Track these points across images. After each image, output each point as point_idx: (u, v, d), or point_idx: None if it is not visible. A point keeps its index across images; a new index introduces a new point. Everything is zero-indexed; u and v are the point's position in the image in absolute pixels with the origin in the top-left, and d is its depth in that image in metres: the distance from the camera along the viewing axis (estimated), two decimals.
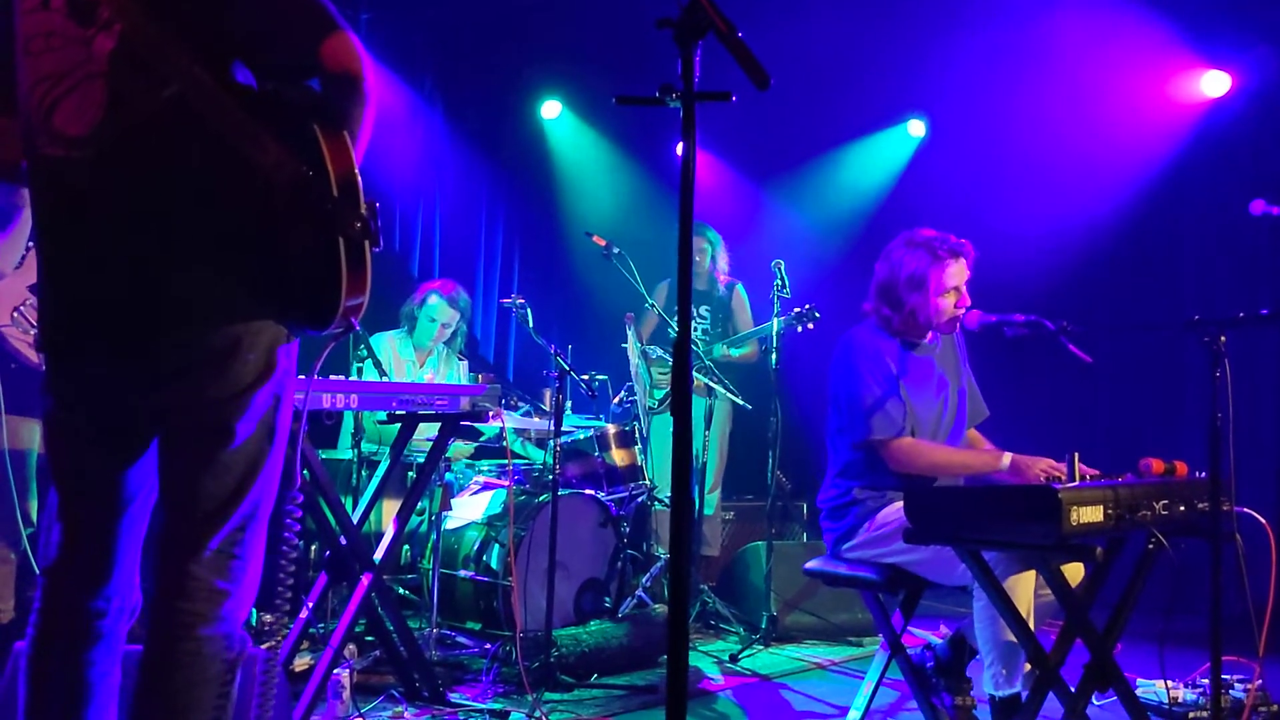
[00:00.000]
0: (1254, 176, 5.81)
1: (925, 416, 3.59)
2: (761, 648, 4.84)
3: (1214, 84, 6.04)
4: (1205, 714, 3.71)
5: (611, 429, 5.24)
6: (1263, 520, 3.24)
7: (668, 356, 5.63)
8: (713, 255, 6.13)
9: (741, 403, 5.51)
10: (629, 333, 5.57)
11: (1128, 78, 6.13)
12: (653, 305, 5.35)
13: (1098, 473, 3.13)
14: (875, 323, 3.67)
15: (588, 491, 4.92)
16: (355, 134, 2.00)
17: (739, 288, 6.18)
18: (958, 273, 3.57)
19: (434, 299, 5.33)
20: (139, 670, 1.96)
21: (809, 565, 3.67)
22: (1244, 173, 5.89)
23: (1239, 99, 6.00)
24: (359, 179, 1.96)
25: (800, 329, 5.27)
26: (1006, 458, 3.38)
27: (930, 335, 3.67)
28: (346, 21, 2.02)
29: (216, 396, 1.96)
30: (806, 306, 5.22)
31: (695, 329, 5.99)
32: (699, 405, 5.70)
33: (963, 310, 3.57)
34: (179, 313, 1.94)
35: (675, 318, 5.92)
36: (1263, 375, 5.80)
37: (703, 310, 6.01)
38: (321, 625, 4.16)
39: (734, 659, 4.66)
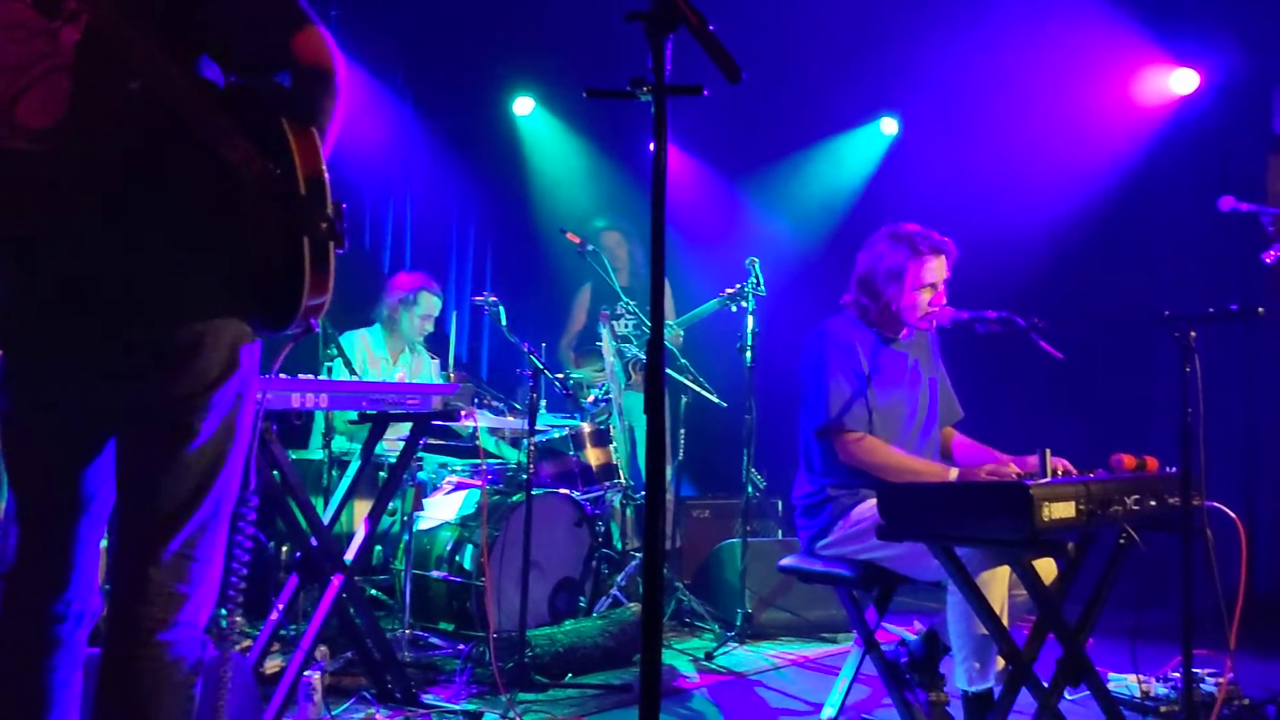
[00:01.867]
0: (1223, 173, 5.86)
1: (895, 413, 3.59)
2: (736, 645, 4.83)
3: (1182, 81, 6.08)
4: (1177, 708, 3.73)
5: (586, 428, 5.22)
6: (1232, 514, 3.26)
7: (641, 354, 5.62)
8: (630, 250, 6.12)
9: (716, 399, 5.50)
10: (603, 331, 5.55)
11: (1098, 76, 6.16)
12: (627, 304, 5.32)
13: (1070, 468, 3.14)
14: (852, 315, 3.68)
15: (562, 491, 4.90)
16: (324, 130, 1.98)
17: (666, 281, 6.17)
18: (937, 269, 3.58)
19: (426, 295, 5.33)
20: (98, 677, 1.92)
21: (784, 562, 3.67)
22: (1213, 169, 5.93)
23: (1207, 96, 6.05)
24: (327, 178, 1.94)
25: (735, 309, 5.25)
26: (953, 472, 3.39)
27: (905, 331, 3.67)
28: (317, 17, 2.00)
29: (178, 394, 1.93)
30: (737, 286, 5.20)
31: (626, 325, 5.95)
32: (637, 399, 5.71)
33: (937, 307, 3.58)
34: (141, 309, 1.91)
35: (605, 321, 5.88)
36: (1232, 370, 5.84)
37: (631, 307, 5.95)
38: (293, 627, 4.12)
39: (709, 657, 4.65)
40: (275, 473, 3.58)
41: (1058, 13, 5.98)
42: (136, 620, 1.92)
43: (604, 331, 5.53)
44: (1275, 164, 6.22)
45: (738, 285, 5.20)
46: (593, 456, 5.17)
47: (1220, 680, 3.76)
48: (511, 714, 3.66)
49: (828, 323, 3.68)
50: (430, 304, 5.37)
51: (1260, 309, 3.03)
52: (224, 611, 3.18)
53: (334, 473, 4.57)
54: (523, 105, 7.12)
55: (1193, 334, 2.99)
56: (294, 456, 4.74)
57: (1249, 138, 6.06)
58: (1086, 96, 6.19)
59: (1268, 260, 4.28)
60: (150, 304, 1.91)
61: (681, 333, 5.93)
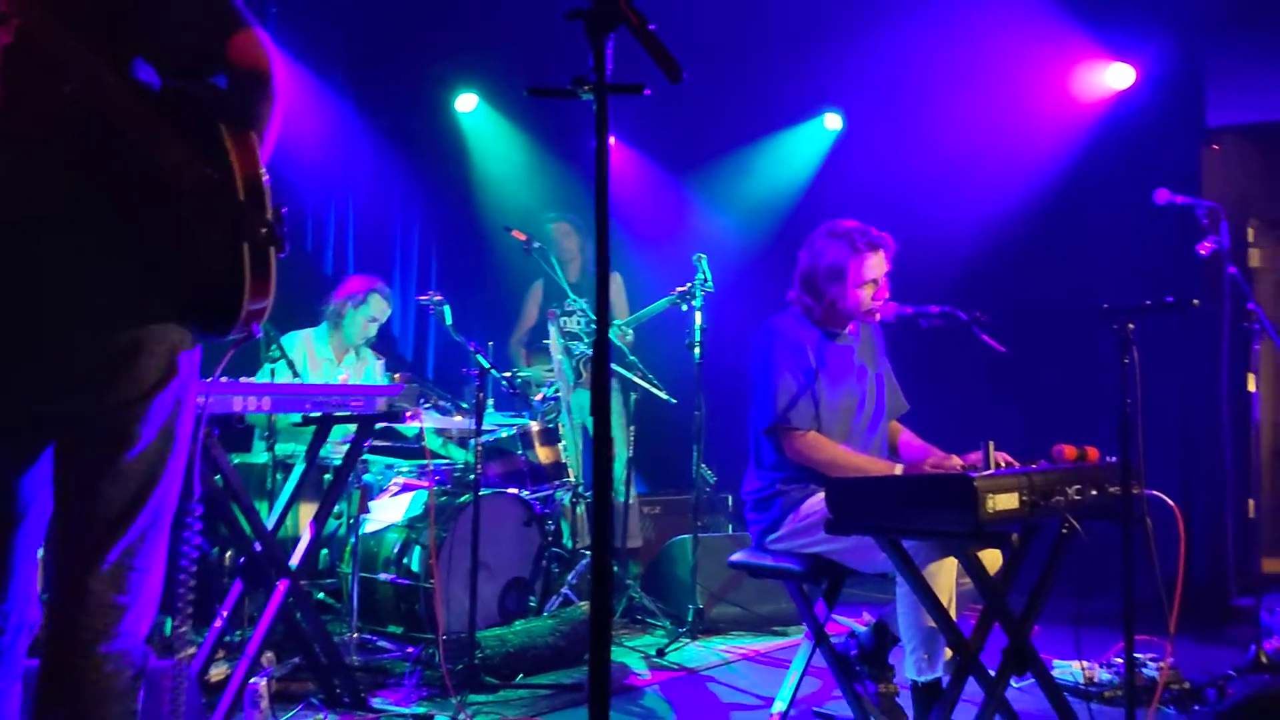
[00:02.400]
0: (1158, 166, 5.95)
1: (842, 408, 3.61)
2: (688, 641, 4.84)
3: (1118, 76, 6.18)
4: (1119, 693, 3.80)
5: (534, 427, 5.20)
6: (1171, 502, 3.31)
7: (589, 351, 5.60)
8: (582, 244, 6.09)
9: (665, 396, 5.50)
10: (551, 329, 5.53)
11: (1036, 71, 6.24)
12: (574, 301, 5.30)
13: (1011, 460, 3.18)
14: (797, 311, 3.70)
15: (511, 490, 4.88)
16: (263, 133, 1.96)
17: (615, 275, 6.14)
18: (876, 265, 3.61)
19: (377, 298, 5.29)
20: (38, 689, 1.89)
21: (734, 558, 3.68)
22: (1148, 163, 6.03)
23: (1142, 90, 6.15)
24: (266, 182, 1.92)
25: (685, 308, 5.22)
26: (898, 468, 3.44)
27: (850, 326, 3.70)
28: (254, 15, 1.98)
29: (116, 401, 1.90)
30: (688, 284, 5.17)
31: (577, 322, 5.93)
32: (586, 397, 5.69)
33: (880, 302, 3.61)
34: (79, 314, 1.88)
35: (564, 318, 5.85)
36: (1167, 361, 5.95)
37: (581, 304, 5.93)
38: (238, 633, 4.07)
39: (660, 653, 4.66)
40: (218, 477, 3.53)
41: (997, 8, 6.05)
42: (76, 631, 1.88)
43: (552, 329, 5.51)
44: (1209, 157, 6.36)
45: (688, 284, 5.18)
46: (541, 455, 5.15)
47: (1161, 665, 3.83)
48: (462, 716, 3.64)
49: (775, 320, 3.70)
50: (379, 307, 5.31)
51: (1195, 301, 3.09)
52: (171, 621, 3.14)
53: (278, 476, 4.51)
54: (466, 102, 7.06)
55: (1130, 326, 3.04)
56: (237, 460, 4.68)
57: (1183, 131, 6.18)
58: (1025, 92, 6.27)
59: (1202, 252, 4.37)
60: (87, 311, 1.88)
61: (630, 332, 5.91)
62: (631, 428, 5.78)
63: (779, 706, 3.44)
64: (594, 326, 5.88)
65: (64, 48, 1.84)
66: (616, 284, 6.17)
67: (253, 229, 1.88)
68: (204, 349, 2.06)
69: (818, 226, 3.71)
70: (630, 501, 5.78)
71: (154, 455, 1.94)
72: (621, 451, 5.67)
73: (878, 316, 3.64)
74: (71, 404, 1.91)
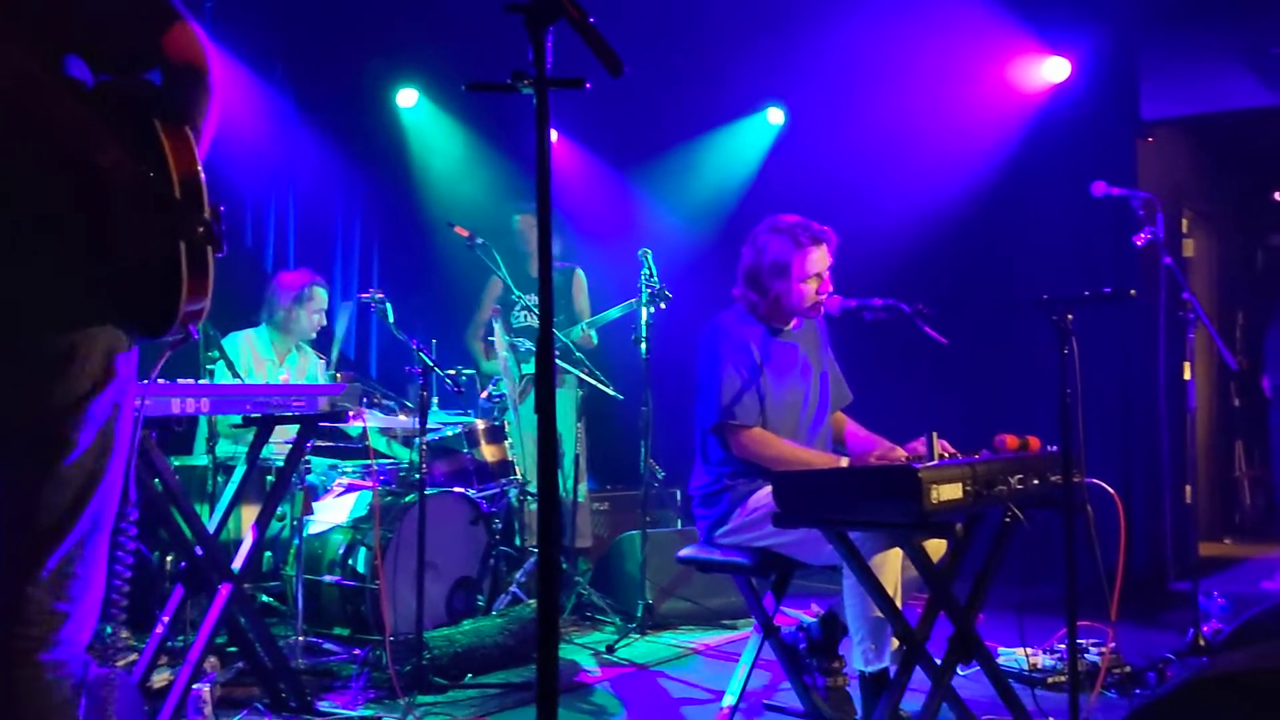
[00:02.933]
0: (1095, 159, 6.05)
1: (787, 403, 3.63)
2: (638, 636, 4.84)
3: (1055, 69, 6.26)
4: (1063, 678, 3.86)
5: (480, 424, 5.17)
6: (1111, 490, 3.37)
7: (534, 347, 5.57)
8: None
9: (613, 393, 5.49)
10: (495, 325, 5.49)
11: (975, 65, 6.31)
12: (519, 297, 5.26)
13: (952, 451, 3.21)
14: (742, 308, 3.70)
15: (457, 489, 4.84)
16: (199, 129, 1.92)
17: (578, 272, 6.09)
18: (819, 259, 3.62)
19: (318, 289, 5.22)
20: None
21: (683, 553, 3.68)
22: (1085, 155, 6.13)
23: (1079, 83, 6.24)
24: (203, 179, 1.88)
25: (660, 306, 5.18)
26: (843, 462, 3.47)
27: (794, 321, 3.72)
28: (190, 10, 1.93)
29: (51, 406, 1.84)
30: (659, 287, 5.14)
31: (532, 319, 5.89)
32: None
33: (824, 296, 3.62)
34: (10, 317, 1.83)
35: (515, 311, 5.80)
36: (1105, 350, 6.05)
37: (525, 301, 5.84)
38: (180, 639, 4.00)
39: (610, 649, 4.65)
40: (156, 481, 3.47)
41: (935, 4, 6.11)
42: (15, 640, 1.83)
43: (496, 326, 5.47)
44: (1143, 149, 6.47)
45: (659, 286, 5.11)
46: (487, 453, 5.12)
47: (1103, 650, 3.90)
48: (410, 717, 3.60)
49: (719, 317, 3.71)
50: (321, 298, 5.28)
51: (1133, 291, 3.14)
52: (108, 629, 3.07)
53: (219, 479, 4.44)
54: (406, 97, 6.99)
55: (1070, 316, 3.08)
56: (176, 463, 4.60)
57: (1118, 124, 6.28)
58: (964, 85, 6.33)
59: (1138, 243, 4.44)
60: (19, 314, 1.83)
61: (594, 332, 5.88)
62: (579, 424, 5.77)
63: (729, 700, 3.45)
64: (560, 319, 5.83)
65: None
66: (579, 281, 6.10)
67: (190, 228, 1.84)
68: (141, 350, 2.01)
69: (760, 222, 3.72)
70: (580, 500, 5.77)
71: (92, 460, 1.89)
72: (570, 449, 5.66)
73: (822, 311, 3.66)
74: (5, 411, 1.86)
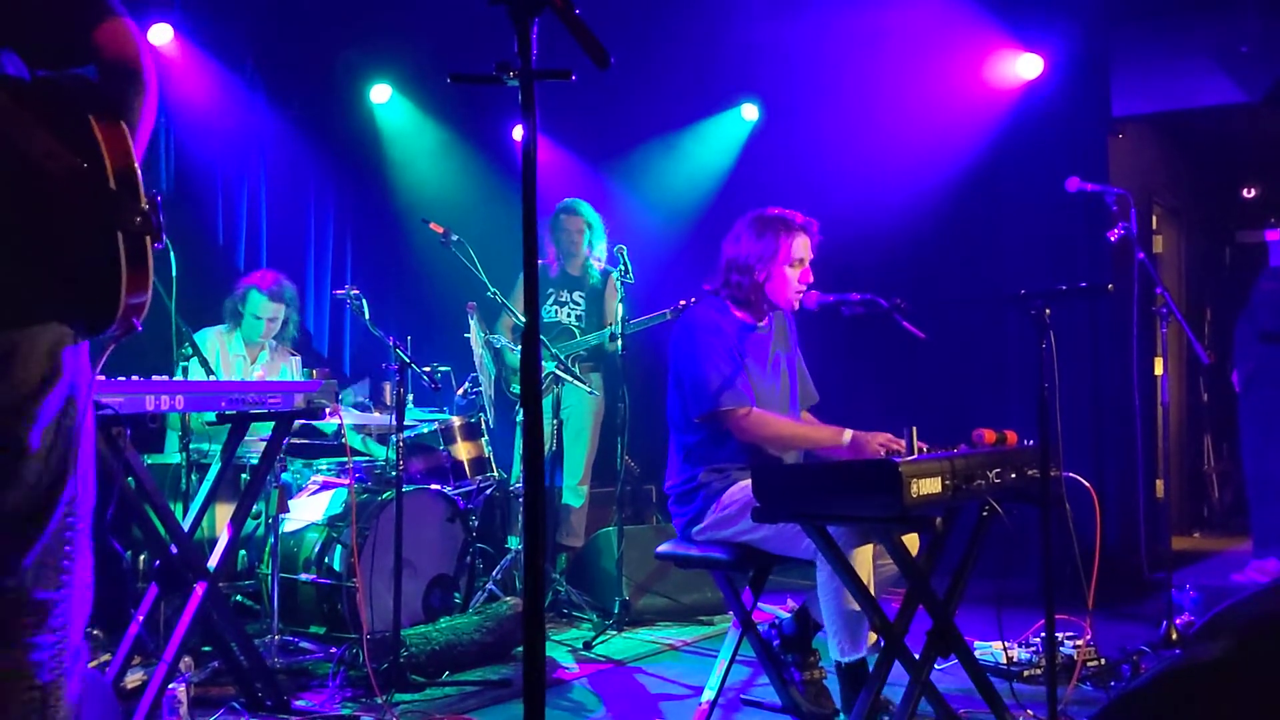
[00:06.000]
0: (1067, 154, 6.09)
1: (764, 394, 3.63)
2: (615, 633, 4.83)
3: (1028, 66, 6.30)
4: (1039, 671, 3.88)
5: (456, 421, 5.14)
6: (1086, 484, 3.39)
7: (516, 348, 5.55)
8: (590, 240, 5.85)
9: (588, 390, 5.47)
10: (471, 322, 5.46)
11: (949, 61, 6.34)
12: (494, 294, 5.21)
13: (929, 446, 3.22)
14: (717, 301, 3.70)
15: (434, 486, 4.82)
16: (134, 124, 1.90)
17: (614, 275, 5.74)
18: (803, 246, 3.64)
19: (254, 294, 5.08)
20: None
21: (660, 549, 3.68)
22: (1058, 151, 6.17)
23: (1051, 80, 6.28)
24: (138, 170, 1.86)
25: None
26: (847, 434, 3.45)
27: (766, 319, 3.72)
28: (122, 8, 1.93)
29: (0, 408, 1.83)
30: (681, 304, 4.90)
31: (569, 315, 5.86)
32: (548, 398, 5.64)
33: (805, 286, 3.63)
34: None
35: (546, 305, 5.74)
36: (1079, 344, 6.10)
37: (576, 296, 5.83)
38: (154, 639, 3.96)
39: (588, 646, 4.64)
40: (130, 479, 3.43)
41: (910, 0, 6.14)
42: (3, 634, 1.84)
43: (472, 323, 5.45)
44: (1114, 145, 6.52)
45: (681, 303, 4.88)
46: (464, 451, 5.09)
47: (1079, 643, 3.92)
48: (388, 716, 3.58)
49: (692, 312, 3.71)
50: (263, 305, 5.07)
51: (1110, 285, 3.16)
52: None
53: (193, 477, 4.39)
54: (380, 93, 6.94)
55: (1047, 310, 3.09)
56: (150, 461, 4.55)
57: (1090, 120, 6.33)
58: (939, 81, 6.36)
59: (1112, 238, 4.47)
60: None
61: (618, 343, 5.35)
62: (555, 421, 5.75)
63: (708, 695, 3.45)
64: (584, 321, 5.73)
65: None
66: (613, 285, 5.74)
67: (126, 217, 1.82)
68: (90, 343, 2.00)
69: (741, 217, 3.72)
70: (580, 502, 5.75)
71: (54, 455, 1.88)
72: (582, 451, 5.67)
73: (797, 305, 3.67)
74: None
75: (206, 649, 3.97)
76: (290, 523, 4.67)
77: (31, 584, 1.86)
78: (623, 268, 5.07)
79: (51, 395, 1.87)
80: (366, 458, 5.13)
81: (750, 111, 7.19)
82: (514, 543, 5.36)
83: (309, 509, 4.75)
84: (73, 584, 1.91)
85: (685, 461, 3.61)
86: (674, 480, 3.65)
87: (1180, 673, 1.40)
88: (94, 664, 3.52)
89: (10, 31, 1.88)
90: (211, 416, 3.95)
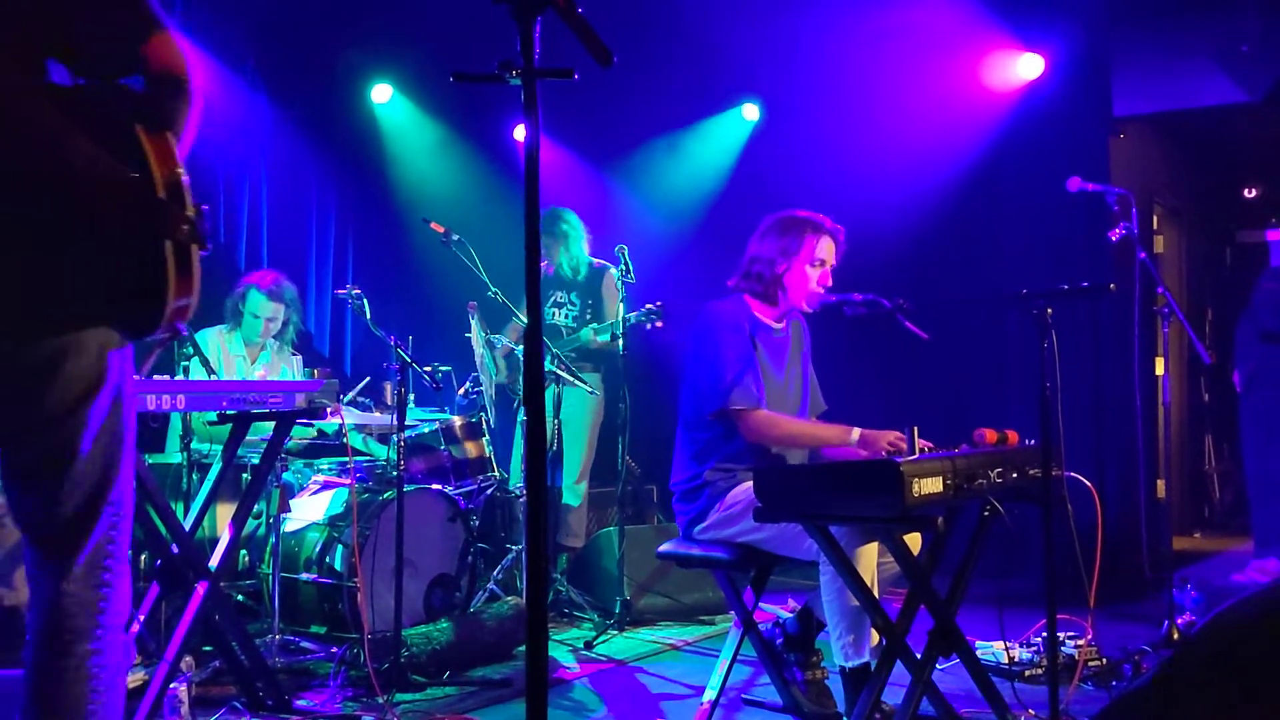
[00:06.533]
0: (1069, 154, 6.09)
1: (777, 395, 3.63)
2: (616, 633, 4.83)
3: (1029, 66, 6.30)
4: (1040, 671, 3.88)
5: (457, 421, 5.14)
6: (1088, 483, 3.39)
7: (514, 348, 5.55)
8: (565, 245, 5.84)
9: (589, 389, 5.47)
10: (472, 321, 5.46)
11: (951, 61, 6.33)
12: (495, 294, 5.21)
13: (932, 446, 3.22)
14: (738, 298, 3.71)
15: (435, 486, 4.82)
16: (179, 135, 1.96)
17: (610, 272, 5.80)
18: (827, 248, 3.65)
19: (254, 294, 5.08)
20: (27, 694, 1.92)
21: (662, 548, 3.68)
22: (1059, 151, 6.16)
23: (1052, 80, 6.27)
24: (185, 180, 1.91)
25: (650, 326, 5.11)
26: (855, 432, 3.45)
27: (784, 322, 3.72)
28: (169, 20, 1.97)
29: (52, 411, 1.89)
30: (658, 304, 5.06)
31: (565, 316, 5.85)
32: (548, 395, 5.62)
33: (822, 289, 3.63)
34: (1, 324, 1.85)
35: (546, 307, 5.73)
36: (1079, 344, 6.10)
37: (572, 297, 5.82)
38: (155, 638, 3.95)
39: (589, 646, 4.64)
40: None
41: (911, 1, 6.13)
42: (59, 633, 1.92)
43: (473, 322, 5.44)
44: (1115, 145, 6.52)
45: (658, 303, 5.03)
46: (465, 450, 5.09)
47: (1081, 643, 3.92)
48: (389, 715, 3.58)
49: (715, 305, 3.69)
50: (262, 305, 5.06)
51: (1112, 285, 3.16)
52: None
53: (194, 476, 4.39)
54: (381, 93, 6.94)
55: (1049, 310, 3.09)
56: (151, 461, 4.55)
57: (1092, 120, 6.32)
58: (940, 81, 6.35)
59: (1114, 238, 4.47)
60: (7, 319, 1.85)
61: (620, 342, 5.27)
62: (555, 421, 5.74)
63: (709, 695, 3.45)
64: (580, 322, 5.68)
65: None
66: (610, 281, 5.80)
67: (175, 226, 1.87)
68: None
69: (768, 215, 3.74)
70: (579, 501, 5.75)
71: (103, 455, 1.95)
72: (579, 449, 5.67)
73: (810, 306, 3.67)
74: (9, 417, 1.90)
75: (207, 648, 3.97)
76: (291, 522, 4.66)
77: (85, 587, 1.93)
78: (624, 267, 5.06)
79: (100, 398, 1.93)
80: (368, 457, 5.13)
81: (751, 111, 7.19)
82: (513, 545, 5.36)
83: (310, 509, 4.75)
84: (118, 583, 1.98)
85: (692, 459, 3.61)
86: (679, 477, 3.65)
87: (1181, 672, 1.40)
88: None
89: (61, 42, 1.92)
90: (213, 416, 3.95)
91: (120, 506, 1.99)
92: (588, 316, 5.81)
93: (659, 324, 5.09)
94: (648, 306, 5.08)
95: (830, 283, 3.66)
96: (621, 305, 5.12)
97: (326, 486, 4.86)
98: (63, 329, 1.88)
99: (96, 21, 1.94)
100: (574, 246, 5.87)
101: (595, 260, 5.90)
